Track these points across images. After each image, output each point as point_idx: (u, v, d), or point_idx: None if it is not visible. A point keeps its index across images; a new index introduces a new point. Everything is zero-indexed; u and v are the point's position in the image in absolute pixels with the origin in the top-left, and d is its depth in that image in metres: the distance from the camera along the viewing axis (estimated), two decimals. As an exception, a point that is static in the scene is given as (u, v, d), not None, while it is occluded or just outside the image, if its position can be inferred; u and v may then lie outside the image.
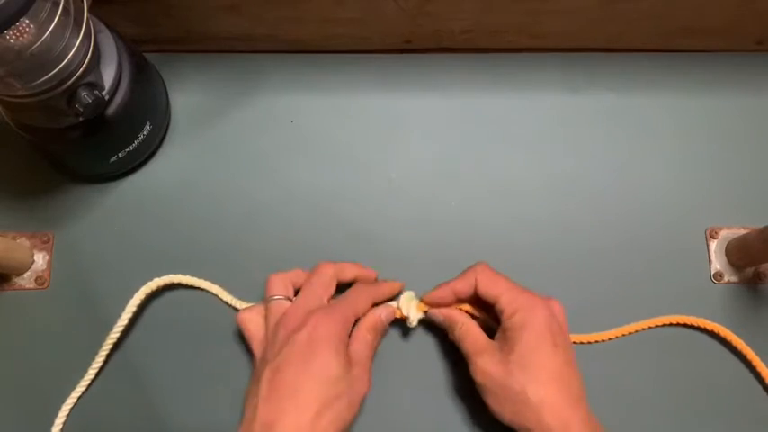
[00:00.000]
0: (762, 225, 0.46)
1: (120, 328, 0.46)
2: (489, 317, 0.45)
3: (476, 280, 0.43)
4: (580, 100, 0.54)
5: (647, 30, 0.53)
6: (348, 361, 0.41)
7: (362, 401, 0.42)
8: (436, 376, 0.48)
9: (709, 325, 0.48)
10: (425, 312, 0.46)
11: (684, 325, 0.48)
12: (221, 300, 0.48)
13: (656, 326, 0.48)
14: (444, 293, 0.44)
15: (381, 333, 0.45)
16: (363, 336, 0.43)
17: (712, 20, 0.52)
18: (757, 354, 0.47)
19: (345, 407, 0.40)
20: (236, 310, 0.47)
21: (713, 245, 0.50)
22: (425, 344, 0.48)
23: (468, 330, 0.44)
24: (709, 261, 0.50)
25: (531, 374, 0.40)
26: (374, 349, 0.44)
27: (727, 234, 0.51)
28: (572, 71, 0.55)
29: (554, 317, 0.42)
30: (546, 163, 0.53)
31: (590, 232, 0.51)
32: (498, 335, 0.43)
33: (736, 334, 0.48)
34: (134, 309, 0.46)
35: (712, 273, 0.50)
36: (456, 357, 0.45)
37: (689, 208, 0.51)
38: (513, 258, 0.50)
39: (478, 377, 0.42)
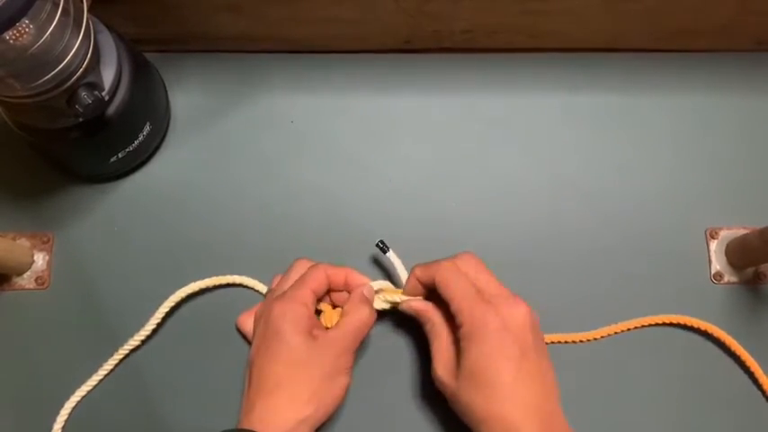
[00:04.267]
0: (762, 225, 0.46)
1: (143, 337, 0.47)
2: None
3: (434, 277, 0.42)
4: (580, 100, 0.54)
5: (647, 30, 0.53)
6: (308, 333, 0.42)
7: (345, 373, 0.42)
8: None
9: (703, 325, 0.48)
10: (397, 304, 0.45)
11: (677, 325, 0.48)
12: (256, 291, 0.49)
13: (649, 325, 0.48)
14: (411, 282, 0.45)
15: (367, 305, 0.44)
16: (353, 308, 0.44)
17: (712, 20, 0.51)
18: (757, 354, 0.47)
19: (318, 377, 0.41)
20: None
21: (713, 245, 0.50)
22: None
23: (436, 333, 0.43)
24: (709, 261, 0.50)
25: (477, 390, 0.39)
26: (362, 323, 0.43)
27: (727, 234, 0.51)
28: (572, 71, 0.55)
29: (507, 329, 0.39)
30: (546, 163, 0.53)
31: (589, 232, 0.51)
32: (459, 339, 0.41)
33: (736, 334, 0.48)
34: (159, 318, 0.47)
35: (712, 273, 0.50)
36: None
37: (689, 208, 0.51)
38: (513, 258, 0.50)
39: (435, 382, 0.42)
